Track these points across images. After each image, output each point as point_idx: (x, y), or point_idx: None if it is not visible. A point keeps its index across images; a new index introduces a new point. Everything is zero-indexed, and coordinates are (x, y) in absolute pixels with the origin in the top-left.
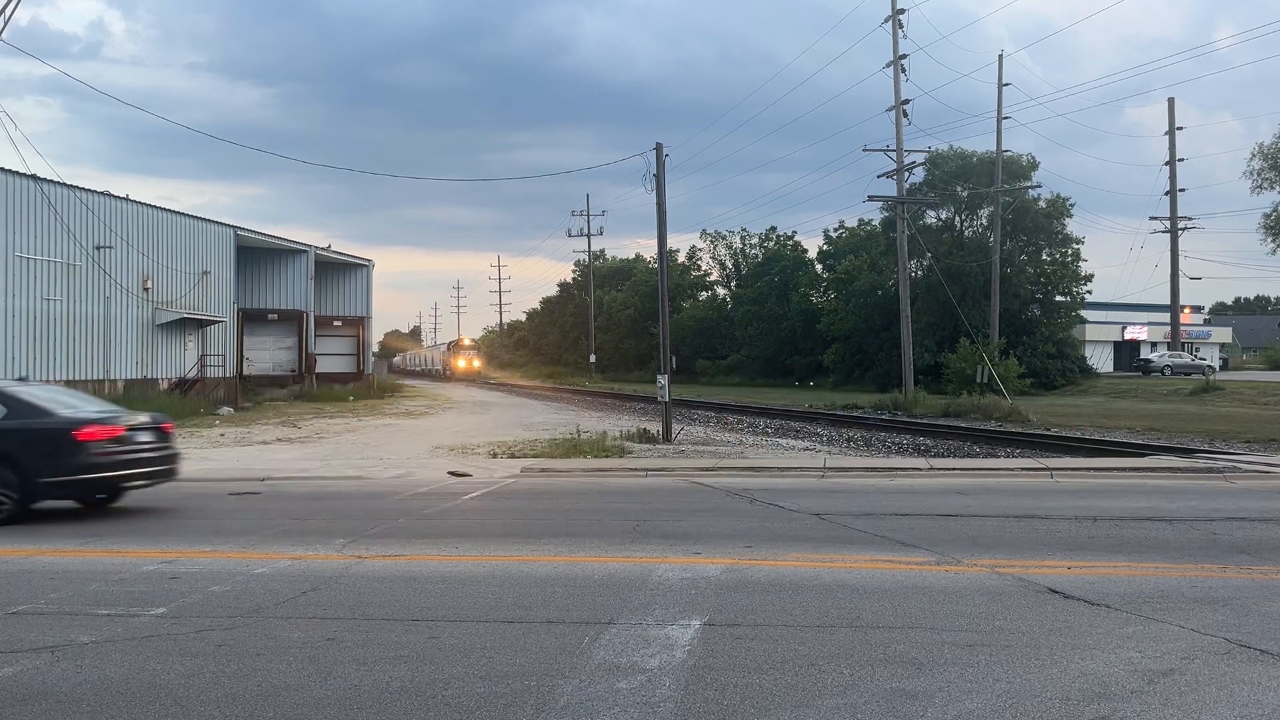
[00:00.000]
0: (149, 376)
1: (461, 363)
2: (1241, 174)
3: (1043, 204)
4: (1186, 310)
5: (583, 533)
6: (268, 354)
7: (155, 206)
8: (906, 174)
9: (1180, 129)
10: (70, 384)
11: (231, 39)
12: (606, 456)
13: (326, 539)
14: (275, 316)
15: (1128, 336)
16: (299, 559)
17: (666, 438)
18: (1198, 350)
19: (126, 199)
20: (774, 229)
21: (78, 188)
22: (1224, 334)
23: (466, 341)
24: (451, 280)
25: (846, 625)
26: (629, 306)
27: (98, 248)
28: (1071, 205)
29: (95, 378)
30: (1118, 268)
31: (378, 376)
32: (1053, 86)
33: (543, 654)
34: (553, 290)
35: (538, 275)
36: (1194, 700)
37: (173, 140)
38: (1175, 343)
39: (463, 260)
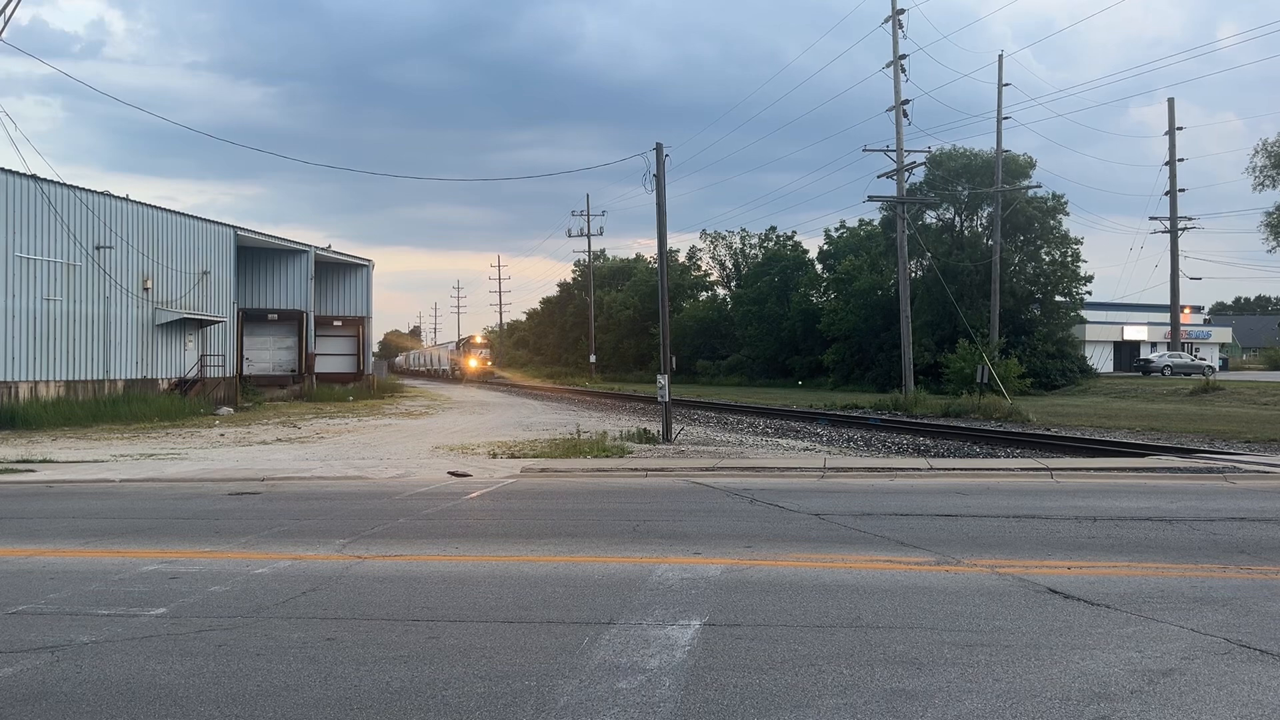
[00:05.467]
0: (149, 376)
1: (473, 362)
2: (1244, 171)
3: (1040, 204)
4: (1186, 310)
5: (583, 533)
6: (268, 354)
7: (155, 206)
8: (906, 174)
9: (1181, 129)
10: (70, 384)
11: (232, 38)
12: (606, 456)
13: (326, 539)
14: (275, 316)
15: (1128, 336)
16: (299, 559)
17: (666, 438)
18: (1198, 350)
19: (126, 199)
20: (774, 229)
21: (78, 188)
22: (1224, 334)
23: (478, 339)
24: (451, 280)
25: (846, 625)
26: (629, 306)
27: (98, 248)
28: (1066, 202)
29: (95, 378)
30: (1118, 268)
31: (378, 377)
32: (1056, 86)
33: (543, 654)
34: (553, 290)
35: (538, 275)
36: (1194, 700)
37: (172, 140)
38: (1175, 343)
39: (463, 260)
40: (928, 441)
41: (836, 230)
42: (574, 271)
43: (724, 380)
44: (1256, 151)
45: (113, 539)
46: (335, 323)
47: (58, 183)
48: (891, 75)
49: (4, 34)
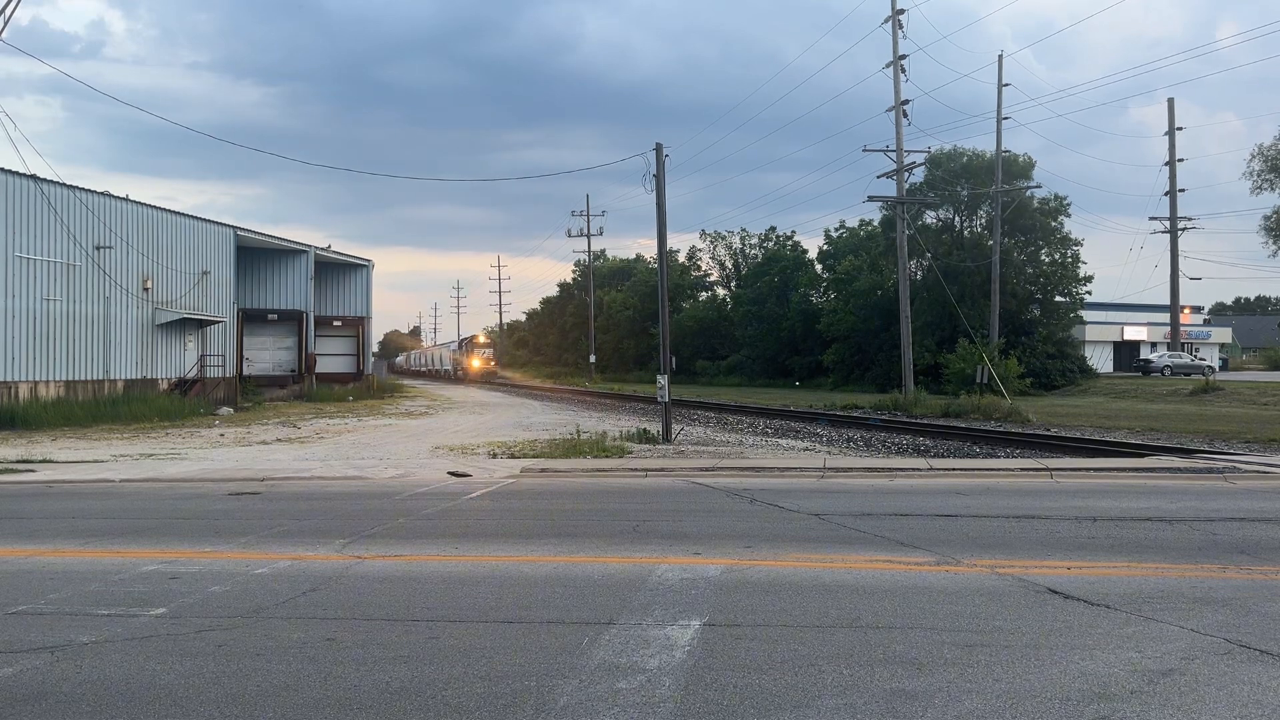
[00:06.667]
0: (149, 376)
1: (476, 362)
2: (1242, 175)
3: (1037, 203)
4: (1186, 310)
5: (582, 533)
6: (268, 354)
7: (155, 206)
8: (906, 174)
9: (1180, 129)
10: (70, 384)
11: (232, 38)
12: (606, 457)
13: (326, 539)
14: (275, 316)
15: (1127, 337)
16: (299, 559)
17: (666, 438)
18: (1197, 350)
19: (126, 199)
20: (774, 229)
21: (77, 188)
22: (1224, 334)
23: (481, 339)
24: (451, 280)
25: (846, 625)
26: (629, 306)
27: (97, 248)
28: (1068, 204)
29: (95, 378)
30: (1118, 268)
31: (378, 377)
32: (1056, 86)
33: (543, 654)
34: (553, 290)
35: (538, 275)
36: (1194, 700)
37: (172, 140)
38: (1175, 343)
39: (463, 260)
40: (927, 442)
41: (836, 230)
42: (574, 271)
43: (724, 380)
44: (1253, 156)
45: (113, 539)
46: (335, 323)
47: (57, 183)
48: (891, 75)
49: (4, 34)
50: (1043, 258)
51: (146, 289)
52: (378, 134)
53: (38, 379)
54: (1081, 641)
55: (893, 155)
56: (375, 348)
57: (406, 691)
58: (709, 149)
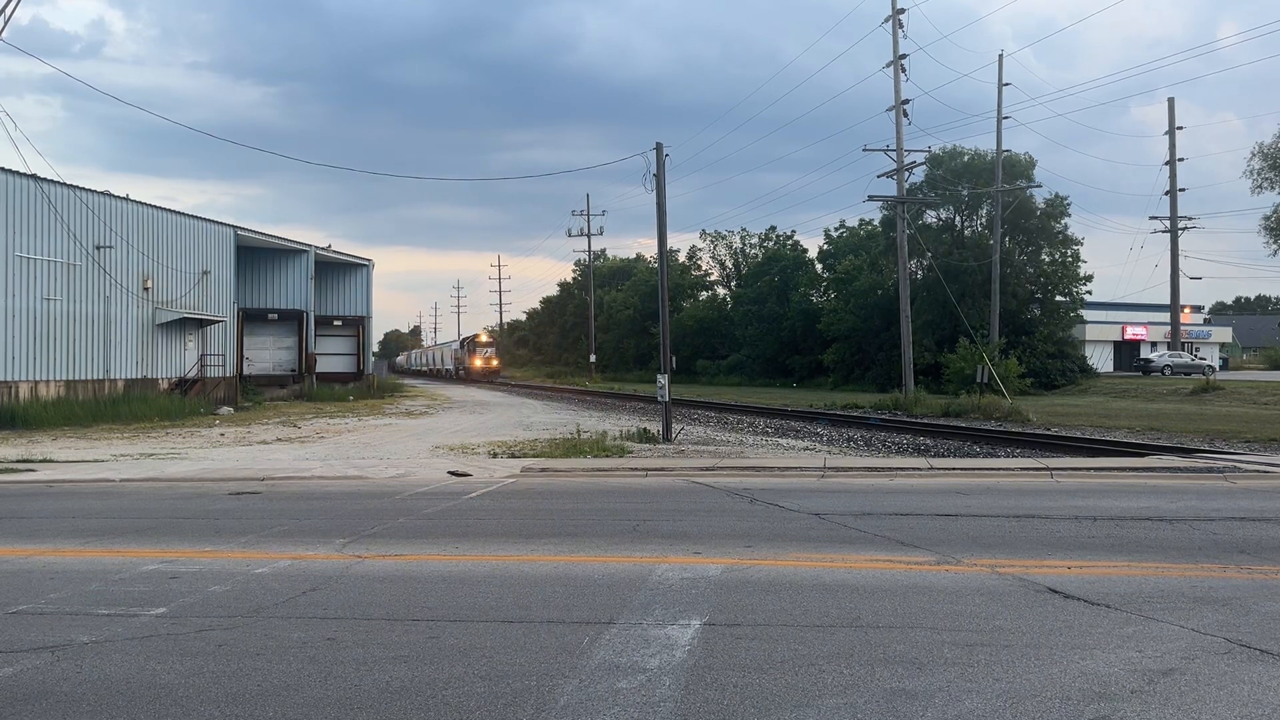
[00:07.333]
0: (149, 376)
1: (478, 362)
2: (1242, 174)
3: (1040, 204)
4: (1186, 310)
5: (583, 533)
6: (268, 354)
7: (155, 206)
8: (906, 174)
9: (1181, 129)
10: (70, 384)
11: (232, 38)
12: (606, 456)
13: (326, 539)
14: (275, 316)
15: (1128, 336)
16: (299, 559)
17: (666, 437)
18: (1198, 350)
19: (126, 199)
20: (774, 229)
21: (78, 187)
22: (1224, 334)
23: (483, 338)
24: (451, 280)
25: (846, 625)
26: (629, 306)
27: (98, 247)
28: (1069, 204)
29: (95, 378)
30: (1119, 267)
31: (378, 376)
32: (1056, 86)
33: (543, 654)
34: (553, 290)
35: (538, 275)
36: (1194, 700)
37: (173, 140)
38: (1175, 343)
39: (463, 260)
40: (928, 441)
41: (836, 230)
42: (574, 271)
43: (724, 380)
44: (1253, 155)
45: (113, 539)
46: (335, 322)
47: (58, 182)
48: (891, 75)
49: (4, 34)
50: (1043, 257)
51: (147, 288)
52: (378, 134)
53: (38, 379)
54: (1082, 641)
55: (893, 155)
56: (375, 347)
57: (406, 691)
58: (709, 149)
